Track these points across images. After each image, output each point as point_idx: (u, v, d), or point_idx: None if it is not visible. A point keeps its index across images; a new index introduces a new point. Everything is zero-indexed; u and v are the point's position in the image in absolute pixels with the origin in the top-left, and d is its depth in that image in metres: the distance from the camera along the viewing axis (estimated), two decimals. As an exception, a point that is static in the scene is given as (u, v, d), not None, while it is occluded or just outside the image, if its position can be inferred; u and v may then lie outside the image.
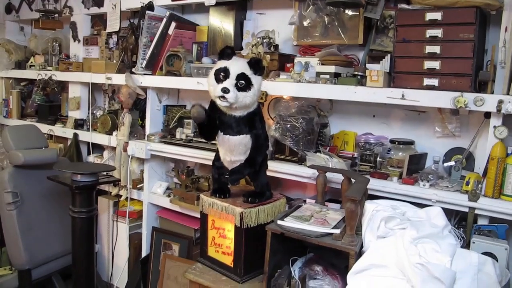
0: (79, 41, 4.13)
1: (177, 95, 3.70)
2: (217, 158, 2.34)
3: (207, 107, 2.21)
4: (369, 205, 2.00)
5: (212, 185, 2.74)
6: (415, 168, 2.43)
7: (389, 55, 2.43)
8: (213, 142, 2.40)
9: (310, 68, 2.76)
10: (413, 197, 2.27)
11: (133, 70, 3.44)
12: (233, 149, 2.22)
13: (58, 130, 4.16)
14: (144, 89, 3.48)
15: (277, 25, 3.04)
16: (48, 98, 4.48)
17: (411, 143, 2.55)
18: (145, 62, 3.35)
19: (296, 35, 2.93)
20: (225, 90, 2.03)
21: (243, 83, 2.07)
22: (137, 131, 3.54)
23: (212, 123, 2.19)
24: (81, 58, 4.11)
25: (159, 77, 3.34)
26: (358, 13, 2.68)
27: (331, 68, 2.59)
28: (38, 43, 4.55)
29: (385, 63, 2.43)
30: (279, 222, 2.05)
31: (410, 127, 2.64)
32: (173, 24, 3.28)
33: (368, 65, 2.57)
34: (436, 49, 2.22)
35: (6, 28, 4.95)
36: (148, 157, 3.38)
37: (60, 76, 4.13)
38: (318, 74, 2.65)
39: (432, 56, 2.23)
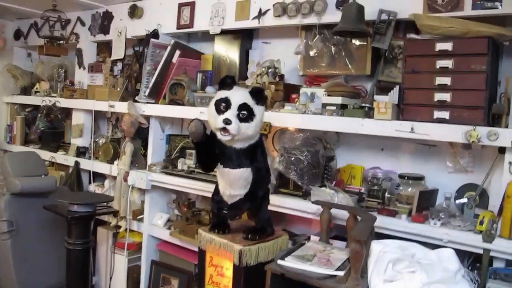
0: (84, 68, 4.10)
1: (181, 124, 3.62)
2: (216, 191, 2.24)
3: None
4: (375, 246, 1.87)
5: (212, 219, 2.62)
6: (425, 205, 2.30)
7: (397, 86, 2.33)
8: (215, 173, 2.29)
9: (316, 99, 2.67)
10: (423, 237, 2.13)
11: (136, 98, 3.38)
12: (233, 182, 2.12)
13: (60, 157, 4.10)
14: (147, 117, 3.41)
15: (283, 54, 2.97)
16: (52, 124, 4.43)
17: (421, 178, 2.43)
18: (148, 90, 3.29)
19: (302, 65, 2.86)
20: (227, 121, 1.94)
21: (245, 113, 1.99)
22: (138, 160, 3.46)
23: (211, 146, 2.09)
24: (86, 85, 4.07)
25: (162, 106, 3.28)
26: (365, 43, 2.60)
27: (338, 99, 2.50)
28: (44, 69, 4.53)
29: (394, 95, 2.34)
30: (279, 262, 1.93)
31: (420, 161, 2.52)
32: (178, 52, 3.23)
33: (376, 97, 2.47)
34: (446, 80, 2.12)
35: (14, 54, 4.95)
36: (148, 187, 3.28)
37: (64, 102, 4.09)
38: (324, 105, 2.55)
39: (443, 88, 2.13)
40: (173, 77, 3.22)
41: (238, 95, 2.02)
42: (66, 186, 3.79)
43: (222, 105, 1.99)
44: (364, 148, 2.71)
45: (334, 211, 2.29)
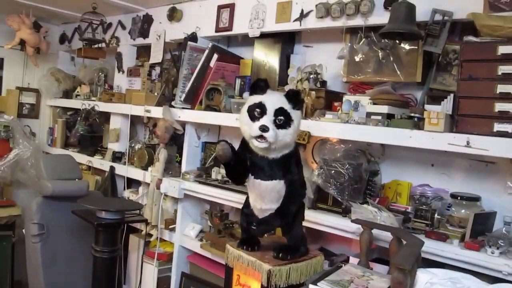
0: (123, 72, 4.05)
1: (218, 131, 3.48)
2: (246, 204, 2.06)
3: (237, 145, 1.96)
4: (422, 275, 1.63)
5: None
6: (481, 229, 2.03)
7: (452, 95, 2.09)
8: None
9: (360, 108, 2.45)
10: (477, 267, 1.87)
11: (172, 103, 3.27)
12: (264, 195, 1.94)
13: (96, 161, 4.05)
14: (183, 123, 3.29)
15: (325, 59, 2.77)
16: (91, 128, 4.41)
17: (476, 199, 2.16)
18: (184, 95, 3.17)
19: (346, 71, 2.65)
20: (264, 128, 1.77)
21: (282, 119, 1.82)
22: (173, 168, 3.34)
23: (241, 164, 1.93)
24: (124, 89, 4.00)
25: (198, 112, 3.15)
26: (416, 47, 2.37)
27: (384, 108, 2.28)
28: (86, 73, 4.52)
29: (447, 104, 2.10)
30: (311, 286, 1.72)
31: (475, 180, 2.26)
32: (215, 56, 3.09)
33: (427, 106, 2.24)
34: (509, 88, 1.86)
35: (59, 58, 4.99)
36: (181, 196, 3.15)
37: (102, 106, 4.05)
38: (368, 114, 2.34)
39: (505, 97, 1.87)
40: (210, 82, 3.09)
41: (274, 99, 1.85)
42: (100, 191, 3.72)
43: (257, 111, 1.83)
44: (412, 163, 2.47)
45: (376, 231, 2.06)
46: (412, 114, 2.21)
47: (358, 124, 2.31)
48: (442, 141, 2.00)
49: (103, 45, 4.19)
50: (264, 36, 2.98)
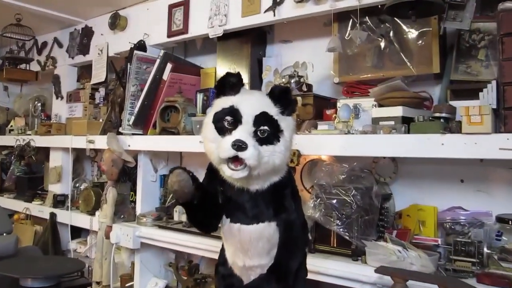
0: (61, 97, 3.36)
1: (180, 160, 2.83)
2: (222, 260, 1.41)
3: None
4: None
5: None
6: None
7: (494, 82, 1.53)
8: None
9: (362, 113, 1.88)
10: None
11: (120, 129, 2.61)
12: (248, 247, 1.31)
13: (34, 208, 3.31)
14: (134, 154, 2.63)
15: (308, 58, 2.18)
16: (29, 168, 3.68)
17: (537, 222, 1.59)
18: (133, 117, 2.52)
19: (338, 69, 2.06)
20: (240, 145, 1.16)
21: (267, 130, 1.21)
22: (125, 210, 2.66)
23: (209, 202, 1.30)
24: (64, 118, 3.32)
25: (151, 137, 2.50)
26: (430, 28, 1.81)
27: (397, 110, 1.70)
28: (21, 104, 3.82)
29: (488, 95, 1.53)
30: None
31: (528, 197, 1.68)
32: (169, 66, 2.47)
33: (453, 103, 1.67)
34: None
35: (-10, 89, 4.26)
36: (137, 246, 2.46)
37: (39, 141, 3.34)
38: (375, 120, 1.75)
39: None
40: (164, 99, 2.45)
41: (252, 101, 1.26)
42: (38, 245, 2.99)
43: (227, 120, 1.22)
44: (435, 180, 1.90)
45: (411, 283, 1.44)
46: (438, 114, 1.64)
47: (365, 133, 1.72)
48: (491, 145, 1.43)
49: (39, 68, 3.51)
50: (228, 37, 2.39)
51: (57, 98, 3.40)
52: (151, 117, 2.53)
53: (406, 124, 1.68)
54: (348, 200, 1.75)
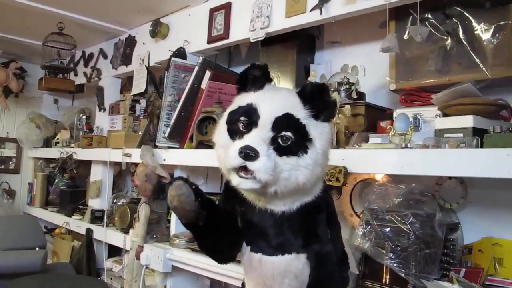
0: (104, 109, 3.26)
1: (220, 177, 2.60)
2: (243, 298, 1.15)
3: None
4: None
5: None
6: None
7: None
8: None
9: (423, 125, 1.57)
10: None
11: (156, 142, 2.43)
12: (272, 284, 1.06)
13: (74, 223, 3.20)
14: (170, 169, 2.43)
15: (360, 63, 1.91)
16: (73, 182, 3.59)
17: None
18: (168, 129, 2.33)
19: (394, 74, 1.77)
20: (248, 153, 0.92)
21: (290, 137, 0.96)
22: (159, 229, 2.46)
23: (222, 224, 1.05)
24: (106, 130, 3.21)
25: (188, 151, 2.29)
26: (508, 21, 1.49)
27: (467, 120, 1.39)
28: (68, 117, 3.77)
29: None
30: None
31: None
32: (208, 74, 2.26)
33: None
34: None
35: (42, 102, 4.27)
36: (167, 270, 2.25)
37: (81, 154, 3.24)
38: (439, 133, 1.45)
39: None
40: (202, 109, 2.25)
41: (275, 100, 1.01)
42: (73, 262, 2.86)
43: (242, 121, 0.98)
44: (514, 206, 1.54)
45: None
46: (520, 126, 1.31)
47: (426, 148, 1.41)
48: None
49: (85, 80, 3.45)
50: (272, 42, 2.16)
51: (99, 110, 3.31)
52: (188, 129, 2.33)
53: (478, 137, 1.36)
54: (405, 229, 1.44)
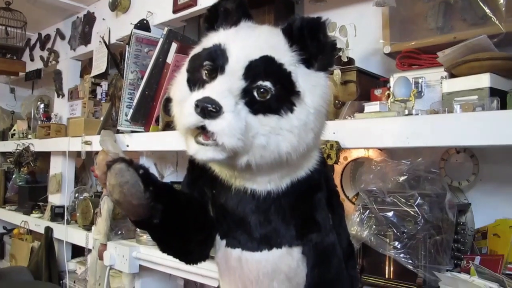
0: (62, 95, 2.95)
1: (192, 163, 2.33)
2: (218, 307, 0.89)
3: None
4: None
5: None
6: None
7: None
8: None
9: (426, 90, 1.34)
10: None
11: (118, 126, 2.15)
12: (256, 287, 0.78)
13: (32, 221, 2.89)
14: (134, 155, 2.16)
15: (348, 25, 1.66)
16: (32, 177, 3.27)
17: None
18: (131, 111, 2.05)
19: (389, 35, 1.53)
20: (206, 107, 0.66)
21: (269, 88, 0.71)
22: (124, 225, 2.18)
23: (188, 215, 0.79)
24: (65, 118, 2.90)
25: (155, 135, 2.01)
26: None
27: (483, 79, 1.16)
28: (26, 106, 3.44)
29: None
30: None
31: None
32: (174, 46, 1.99)
33: None
34: None
35: (-3, 91, 3.91)
36: (135, 270, 1.97)
37: (38, 145, 2.93)
38: (447, 97, 1.21)
39: None
40: (168, 87, 1.97)
41: (250, 39, 0.76)
42: (31, 266, 2.56)
43: (205, 66, 0.73)
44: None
45: None
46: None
47: (435, 114, 1.18)
48: None
49: (42, 65, 3.13)
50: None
51: (58, 96, 2.99)
52: (153, 110, 2.05)
53: (496, 97, 1.13)
54: (411, 212, 1.21)
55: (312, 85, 0.74)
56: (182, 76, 0.77)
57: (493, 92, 1.15)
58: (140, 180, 0.69)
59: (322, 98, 0.75)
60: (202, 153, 0.69)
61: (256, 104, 0.70)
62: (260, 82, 0.70)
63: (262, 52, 0.71)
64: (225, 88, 0.68)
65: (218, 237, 0.84)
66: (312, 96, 0.73)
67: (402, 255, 1.20)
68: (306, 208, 0.79)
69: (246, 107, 0.69)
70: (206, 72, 0.72)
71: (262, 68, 0.70)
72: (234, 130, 0.66)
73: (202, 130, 0.67)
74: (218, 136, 0.66)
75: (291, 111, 0.70)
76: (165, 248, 0.82)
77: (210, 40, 0.76)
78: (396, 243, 1.21)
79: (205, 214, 0.83)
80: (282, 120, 0.70)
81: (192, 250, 0.83)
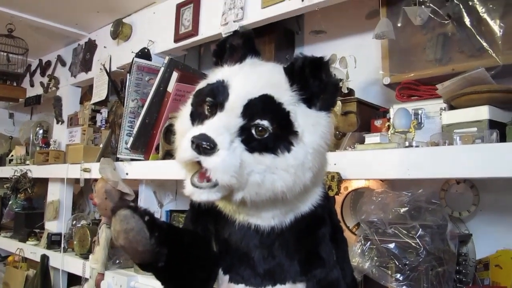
0: (62, 122, 2.96)
1: (191, 191, 2.32)
2: None
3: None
4: None
5: None
6: None
7: None
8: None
9: (426, 121, 1.35)
10: None
11: (118, 154, 2.15)
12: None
13: (28, 249, 2.85)
14: (134, 184, 2.15)
15: (348, 56, 1.69)
16: (29, 203, 3.24)
17: None
18: (131, 139, 2.05)
19: (388, 67, 1.55)
20: (201, 144, 0.66)
21: (266, 127, 0.71)
22: (122, 254, 2.15)
23: (192, 254, 0.79)
24: (64, 145, 2.90)
25: (154, 163, 2.02)
26: (523, -2, 1.29)
27: (481, 112, 1.17)
28: (24, 131, 3.44)
29: None
30: None
31: None
32: (175, 75, 2.01)
33: None
34: None
35: (-4, 117, 3.92)
36: (132, 300, 1.95)
37: (36, 171, 2.92)
38: (447, 128, 1.23)
39: None
40: (169, 116, 1.99)
41: (252, 77, 0.76)
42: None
43: (208, 102, 0.75)
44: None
45: None
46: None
47: (436, 146, 1.18)
48: None
49: (41, 91, 3.15)
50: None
51: (57, 122, 3.00)
52: (153, 139, 2.06)
53: (494, 130, 1.14)
54: (413, 244, 1.21)
55: (311, 124, 0.74)
56: (186, 109, 0.78)
57: (492, 124, 1.16)
58: (146, 227, 0.69)
59: (322, 137, 0.75)
60: (197, 195, 0.70)
61: (253, 142, 0.70)
62: (258, 121, 0.70)
63: (262, 91, 0.72)
64: (222, 125, 0.69)
65: (221, 272, 0.83)
66: (311, 135, 0.73)
67: (404, 287, 1.19)
68: (310, 243, 0.79)
69: (243, 144, 0.70)
70: (207, 107, 0.73)
71: (260, 106, 0.71)
72: (228, 167, 0.67)
73: (199, 166, 0.68)
74: (212, 173, 0.66)
75: (288, 150, 0.71)
76: (169, 287, 0.82)
77: (215, 76, 0.77)
78: (398, 275, 1.21)
79: (208, 251, 0.83)
80: (278, 159, 0.70)
81: (196, 287, 0.82)
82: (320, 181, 0.83)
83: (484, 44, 1.35)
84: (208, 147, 0.65)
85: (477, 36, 1.36)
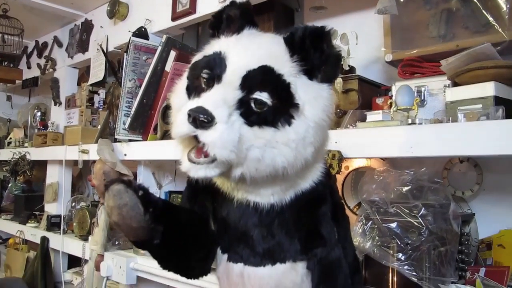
0: (59, 103, 2.92)
1: (191, 173, 2.30)
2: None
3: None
4: None
5: None
6: None
7: None
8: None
9: (429, 98, 1.32)
10: None
11: (116, 135, 2.12)
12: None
13: (28, 231, 2.85)
14: (132, 164, 2.13)
15: (349, 33, 1.65)
16: (28, 186, 3.23)
17: None
18: (129, 120, 2.03)
19: (390, 44, 1.51)
20: (198, 117, 0.63)
21: (265, 99, 0.68)
22: (122, 235, 2.14)
23: (189, 232, 0.77)
24: (62, 126, 2.87)
25: (153, 143, 1.99)
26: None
27: (487, 88, 1.14)
28: (22, 114, 3.42)
29: None
30: None
31: None
32: (173, 54, 1.97)
33: None
34: None
35: (-6, 99, 3.89)
36: (132, 282, 1.94)
37: (34, 153, 2.90)
38: (451, 106, 1.20)
39: None
40: (167, 95, 1.96)
41: (250, 47, 0.73)
42: (26, 276, 2.52)
43: (204, 74, 0.71)
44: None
45: None
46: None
47: (439, 123, 1.16)
48: None
49: (39, 73, 3.11)
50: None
51: (55, 104, 2.96)
52: (151, 119, 2.03)
53: (500, 106, 1.11)
54: (415, 223, 1.19)
55: (313, 97, 0.71)
56: (182, 83, 0.75)
57: (498, 101, 1.13)
58: (140, 202, 0.67)
59: (323, 111, 0.72)
60: (194, 171, 0.67)
61: (252, 115, 0.67)
62: (257, 93, 0.68)
63: (261, 62, 0.69)
64: (220, 98, 0.66)
65: (219, 251, 0.81)
66: (312, 108, 0.71)
67: (406, 267, 1.18)
68: (310, 221, 0.77)
69: (241, 118, 0.67)
70: (204, 80, 0.70)
71: (259, 78, 0.68)
72: (226, 142, 0.64)
73: (196, 141, 0.65)
74: (209, 148, 0.64)
75: (289, 124, 0.68)
76: (165, 265, 0.80)
77: (212, 47, 0.74)
78: (400, 254, 1.19)
79: (206, 230, 0.81)
80: (278, 133, 0.68)
81: (194, 266, 0.80)
82: (322, 157, 0.81)
83: (490, 19, 1.31)
84: (206, 120, 0.63)
85: (483, 11, 1.32)
